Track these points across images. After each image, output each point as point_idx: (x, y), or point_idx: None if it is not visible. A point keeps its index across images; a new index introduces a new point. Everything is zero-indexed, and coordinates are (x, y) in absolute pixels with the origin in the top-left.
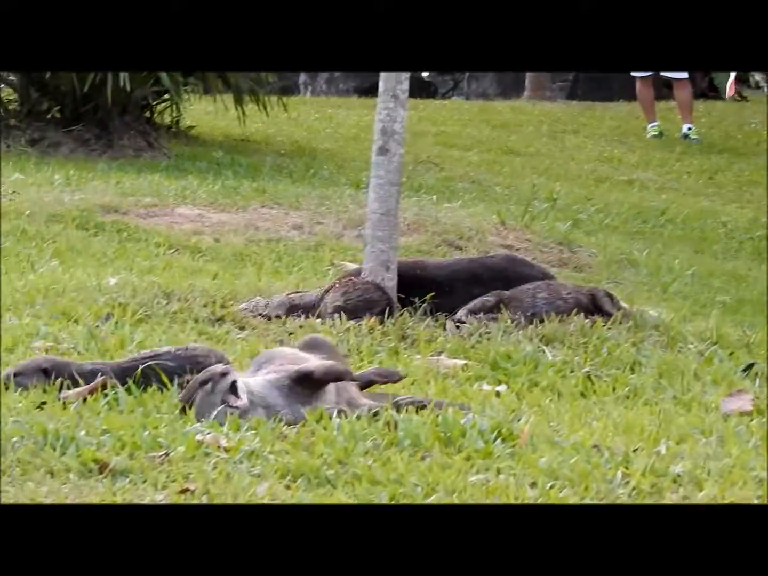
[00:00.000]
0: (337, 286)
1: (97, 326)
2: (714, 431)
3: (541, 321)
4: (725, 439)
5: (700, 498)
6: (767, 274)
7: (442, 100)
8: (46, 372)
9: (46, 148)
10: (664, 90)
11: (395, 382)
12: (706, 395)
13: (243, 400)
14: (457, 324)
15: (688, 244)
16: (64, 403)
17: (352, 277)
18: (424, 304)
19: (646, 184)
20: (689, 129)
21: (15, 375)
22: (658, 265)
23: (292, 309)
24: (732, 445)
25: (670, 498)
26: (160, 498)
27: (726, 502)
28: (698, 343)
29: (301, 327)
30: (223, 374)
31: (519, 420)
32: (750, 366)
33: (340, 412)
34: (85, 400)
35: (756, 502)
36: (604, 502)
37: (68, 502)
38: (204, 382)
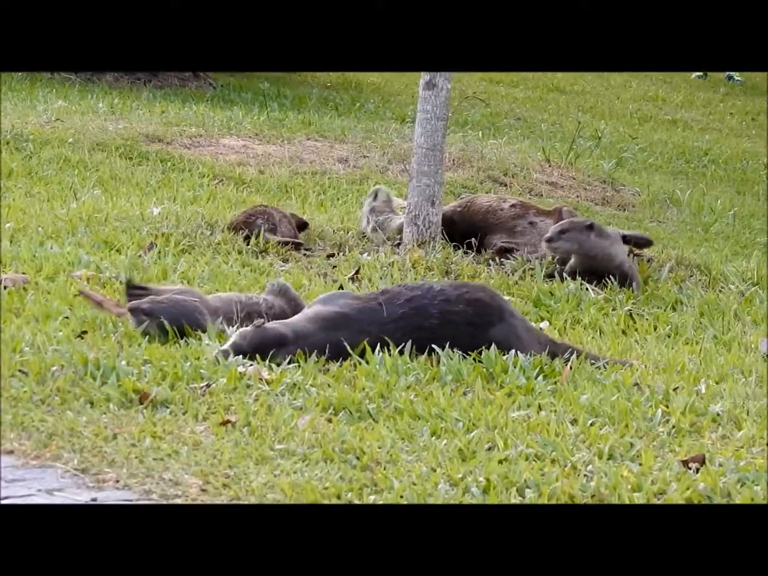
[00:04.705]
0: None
1: (140, 256)
2: (753, 371)
3: None
4: (764, 379)
5: (739, 437)
6: None
7: None
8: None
9: (90, 75)
10: None
11: None
12: (747, 335)
13: None
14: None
15: (730, 184)
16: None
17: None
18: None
19: (690, 124)
20: None
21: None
22: (700, 206)
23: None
24: None
25: (710, 437)
26: (201, 429)
27: (764, 441)
28: (739, 283)
29: (346, 260)
30: None
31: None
32: None
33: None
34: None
35: None
36: (643, 439)
37: (108, 432)
38: None
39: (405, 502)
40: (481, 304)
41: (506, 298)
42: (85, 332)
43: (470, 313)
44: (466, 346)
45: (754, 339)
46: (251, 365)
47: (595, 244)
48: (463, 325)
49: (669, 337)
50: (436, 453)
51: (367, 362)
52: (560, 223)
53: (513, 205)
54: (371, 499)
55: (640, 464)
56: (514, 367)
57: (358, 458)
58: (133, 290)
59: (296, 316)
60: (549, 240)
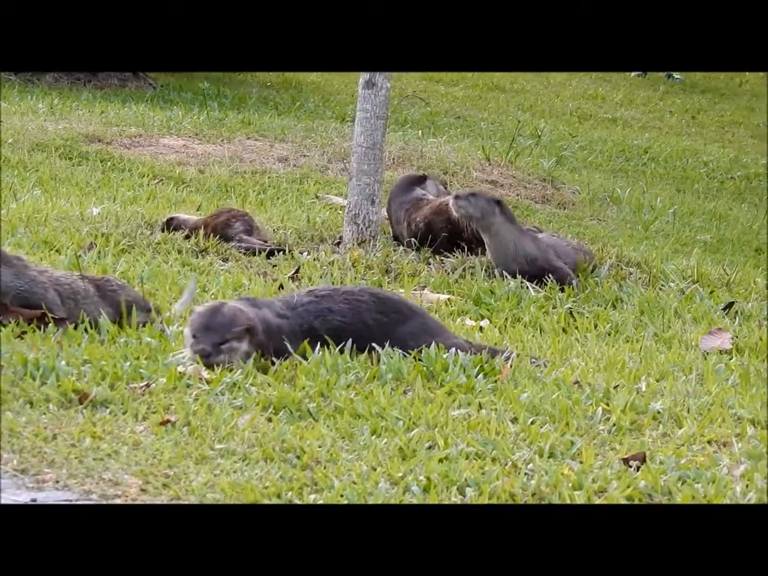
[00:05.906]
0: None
1: (80, 256)
2: (694, 369)
3: None
4: (705, 377)
5: (680, 434)
6: (748, 213)
7: None
8: None
9: (29, 76)
10: None
11: None
12: (687, 333)
13: None
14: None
15: (669, 182)
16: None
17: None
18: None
19: (630, 122)
20: None
21: None
22: (640, 204)
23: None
24: (711, 382)
25: (650, 435)
26: (141, 429)
27: (705, 438)
28: (679, 281)
29: (285, 260)
30: None
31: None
32: (730, 305)
33: None
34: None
35: (734, 439)
36: (584, 438)
37: (47, 432)
38: None
39: (345, 501)
40: (384, 298)
41: (446, 296)
42: (24, 332)
43: (376, 306)
44: (374, 337)
45: (694, 337)
46: (191, 364)
47: (498, 222)
48: (371, 316)
49: (609, 335)
50: (377, 452)
51: (308, 361)
52: (473, 188)
53: None
54: (311, 498)
55: (581, 462)
56: (455, 366)
57: (298, 457)
58: None
59: None
60: (456, 197)
